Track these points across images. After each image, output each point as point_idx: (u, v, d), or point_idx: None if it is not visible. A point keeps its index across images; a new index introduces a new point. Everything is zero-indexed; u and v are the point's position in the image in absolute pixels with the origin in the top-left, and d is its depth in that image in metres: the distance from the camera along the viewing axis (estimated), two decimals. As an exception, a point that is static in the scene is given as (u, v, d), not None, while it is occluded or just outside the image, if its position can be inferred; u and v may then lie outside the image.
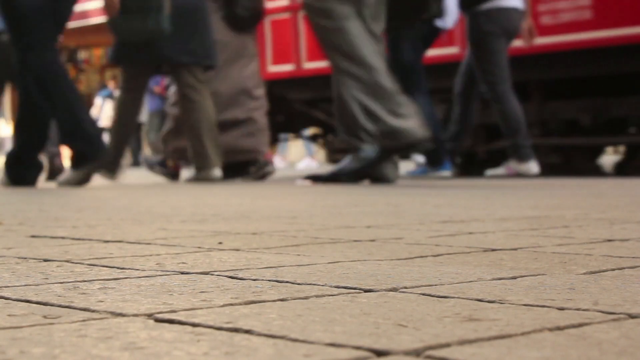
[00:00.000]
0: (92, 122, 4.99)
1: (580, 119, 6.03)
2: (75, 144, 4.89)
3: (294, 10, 7.04)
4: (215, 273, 1.25)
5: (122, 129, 5.87)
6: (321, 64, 6.17)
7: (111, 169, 5.78)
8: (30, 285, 1.15)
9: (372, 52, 4.76)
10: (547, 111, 6.15)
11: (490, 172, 6.88)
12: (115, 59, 5.89)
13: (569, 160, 6.18)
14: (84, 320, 0.89)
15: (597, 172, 6.23)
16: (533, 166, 5.62)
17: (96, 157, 4.87)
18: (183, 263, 1.38)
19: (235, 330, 0.83)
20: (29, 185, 5.12)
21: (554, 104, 6.16)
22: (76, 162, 4.94)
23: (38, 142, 5.18)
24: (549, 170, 6.11)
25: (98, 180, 5.48)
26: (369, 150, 4.73)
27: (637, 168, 6.01)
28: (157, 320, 0.88)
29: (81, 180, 4.96)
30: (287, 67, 7.18)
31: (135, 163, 15.29)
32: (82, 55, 20.34)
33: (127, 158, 7.79)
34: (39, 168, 5.22)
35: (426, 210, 2.59)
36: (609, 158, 7.28)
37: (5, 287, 1.13)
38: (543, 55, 5.85)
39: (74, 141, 4.88)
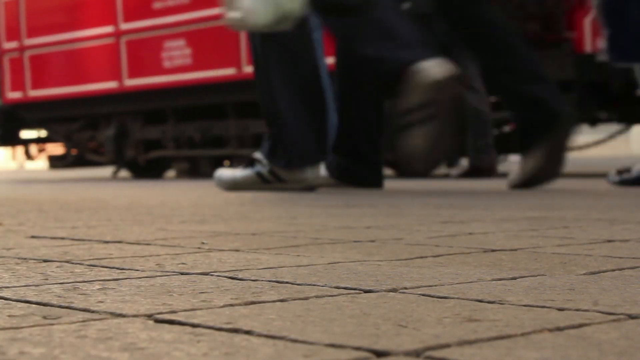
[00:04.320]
0: None
1: (194, 136, 8.17)
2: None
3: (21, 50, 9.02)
4: (215, 274, 1.25)
5: None
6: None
7: None
8: (30, 285, 1.15)
9: None
10: (179, 130, 8.27)
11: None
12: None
13: (197, 167, 8.27)
14: (83, 321, 0.89)
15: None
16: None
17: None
18: (183, 264, 1.38)
19: (235, 330, 0.83)
20: (374, 186, 4.19)
21: (183, 125, 8.26)
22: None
23: (376, 127, 4.17)
24: (182, 175, 8.29)
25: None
26: None
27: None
28: (157, 321, 0.88)
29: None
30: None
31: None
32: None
33: None
34: (380, 163, 4.22)
35: (426, 211, 2.59)
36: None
37: (5, 287, 1.13)
38: (175, 89, 8.00)
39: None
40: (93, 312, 0.94)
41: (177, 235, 1.89)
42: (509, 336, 0.79)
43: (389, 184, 4.70)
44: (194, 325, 0.86)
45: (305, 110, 3.99)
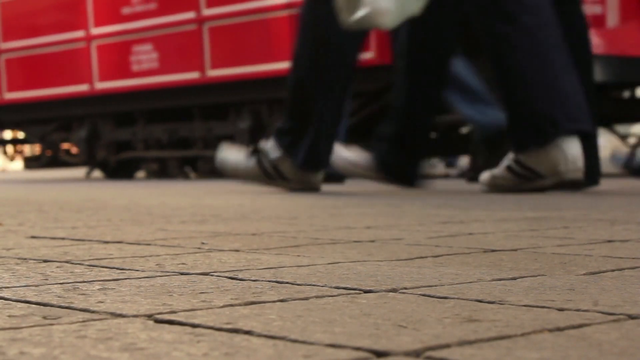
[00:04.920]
0: None
1: (162, 137, 8.45)
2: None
3: None
4: (215, 274, 1.25)
5: None
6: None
7: None
8: (30, 286, 1.15)
9: None
10: (147, 132, 8.55)
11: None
12: None
13: (165, 168, 8.55)
14: (83, 321, 0.89)
15: (185, 176, 8.47)
16: None
17: None
18: (183, 264, 1.38)
19: (235, 331, 0.83)
20: (409, 185, 4.13)
21: (151, 127, 8.54)
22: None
23: (426, 122, 4.09)
24: (152, 175, 8.64)
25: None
26: None
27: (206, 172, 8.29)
28: (157, 321, 0.88)
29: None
30: None
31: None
32: None
33: None
34: (420, 162, 4.13)
35: (426, 211, 2.59)
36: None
37: (5, 287, 1.13)
38: (143, 92, 8.32)
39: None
40: (93, 312, 0.94)
41: (177, 235, 1.89)
42: (509, 336, 0.79)
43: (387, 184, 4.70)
44: (194, 326, 0.86)
45: (334, 117, 3.99)
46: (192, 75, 8.02)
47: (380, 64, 7.01)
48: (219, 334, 0.81)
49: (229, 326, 0.85)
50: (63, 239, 1.83)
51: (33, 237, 1.88)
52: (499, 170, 3.81)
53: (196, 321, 0.88)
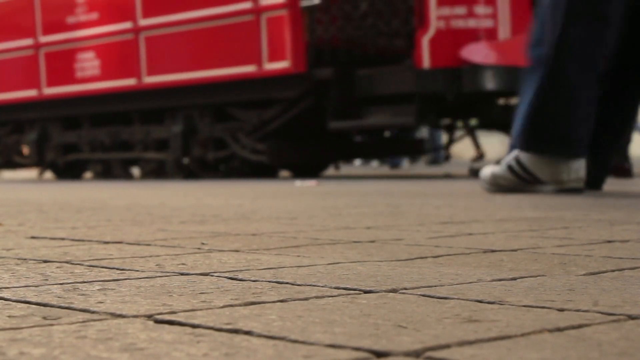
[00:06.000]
0: None
1: (105, 140, 8.83)
2: None
3: None
4: (215, 274, 1.25)
5: None
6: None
7: None
8: (30, 286, 1.15)
9: None
10: (92, 135, 8.90)
11: None
12: None
13: (110, 169, 8.93)
14: (83, 322, 0.89)
15: (129, 177, 8.80)
16: None
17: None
18: (183, 264, 1.38)
19: (235, 331, 0.83)
20: (593, 188, 3.96)
21: (95, 130, 8.92)
22: None
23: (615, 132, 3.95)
24: (98, 176, 8.98)
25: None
26: None
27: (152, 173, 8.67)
28: (157, 322, 0.88)
29: None
30: None
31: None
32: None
33: None
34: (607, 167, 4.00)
35: (426, 211, 2.59)
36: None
37: (5, 288, 1.13)
38: (87, 97, 8.75)
39: None
40: (93, 312, 0.94)
41: (177, 235, 1.89)
42: (509, 337, 0.79)
43: (387, 184, 4.70)
44: (194, 326, 0.86)
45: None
46: (130, 82, 8.41)
47: (296, 72, 7.37)
48: (219, 334, 0.81)
49: (229, 326, 0.85)
50: (63, 239, 1.83)
51: (33, 237, 1.88)
52: (500, 168, 3.82)
53: (196, 321, 0.88)
